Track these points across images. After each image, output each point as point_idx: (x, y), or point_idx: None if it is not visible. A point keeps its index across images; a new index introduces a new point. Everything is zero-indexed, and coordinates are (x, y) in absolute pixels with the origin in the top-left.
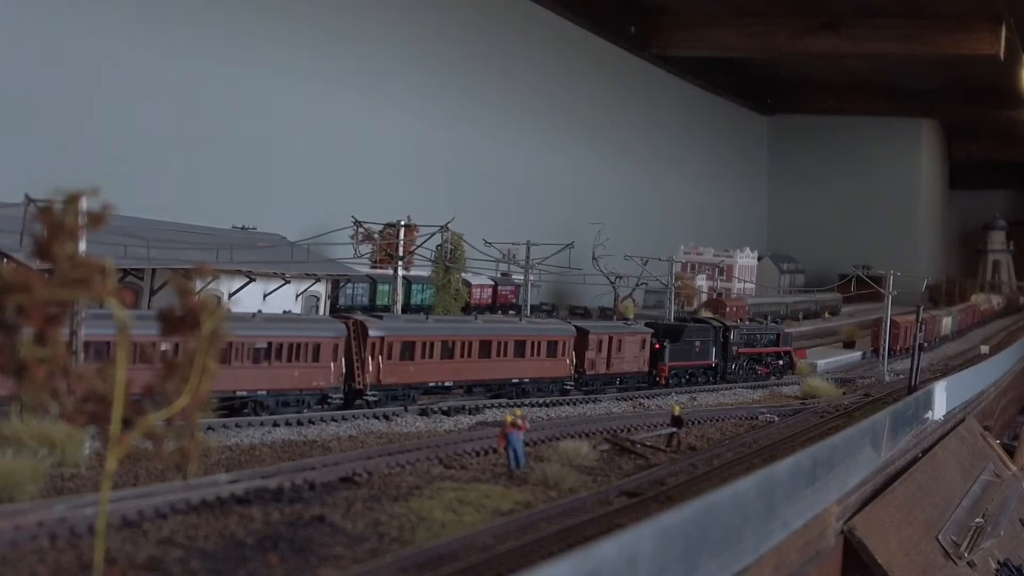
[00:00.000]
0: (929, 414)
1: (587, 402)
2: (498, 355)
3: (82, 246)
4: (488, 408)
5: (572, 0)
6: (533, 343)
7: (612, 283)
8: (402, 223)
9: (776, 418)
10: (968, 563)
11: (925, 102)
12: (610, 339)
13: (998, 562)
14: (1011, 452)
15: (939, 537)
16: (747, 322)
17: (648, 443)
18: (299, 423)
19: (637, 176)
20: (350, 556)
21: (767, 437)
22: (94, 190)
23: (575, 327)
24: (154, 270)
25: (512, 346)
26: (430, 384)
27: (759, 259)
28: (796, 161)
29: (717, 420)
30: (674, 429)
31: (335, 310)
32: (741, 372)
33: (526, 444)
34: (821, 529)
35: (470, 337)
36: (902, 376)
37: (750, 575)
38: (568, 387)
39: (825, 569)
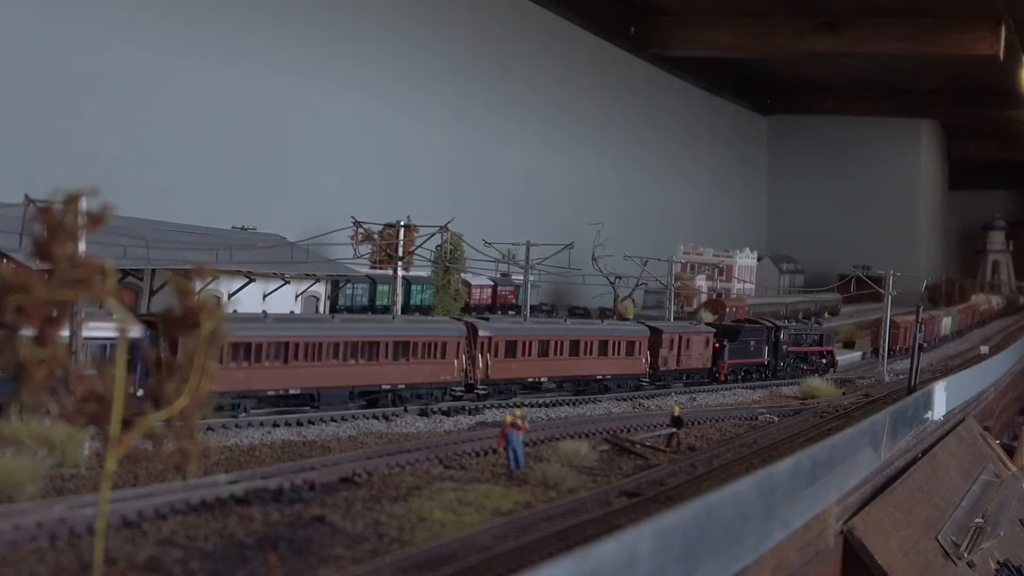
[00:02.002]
0: (929, 414)
1: (587, 402)
2: (585, 354)
3: (82, 246)
4: (488, 408)
5: (572, 0)
6: (614, 342)
7: (612, 283)
8: (402, 223)
9: (776, 418)
10: (968, 563)
11: (925, 102)
12: (680, 338)
13: (998, 562)
14: (1011, 452)
15: (939, 537)
16: (794, 323)
17: (648, 443)
18: (299, 423)
19: (637, 176)
20: (350, 556)
21: (767, 437)
22: (94, 190)
23: (649, 327)
24: (154, 270)
25: (596, 345)
26: (528, 379)
27: (759, 259)
28: (796, 161)
29: (717, 420)
30: (674, 429)
31: (335, 310)
32: (789, 369)
33: (526, 444)
34: (821, 529)
35: (562, 337)
36: (902, 376)
37: (750, 575)
38: (643, 382)
39: (825, 569)
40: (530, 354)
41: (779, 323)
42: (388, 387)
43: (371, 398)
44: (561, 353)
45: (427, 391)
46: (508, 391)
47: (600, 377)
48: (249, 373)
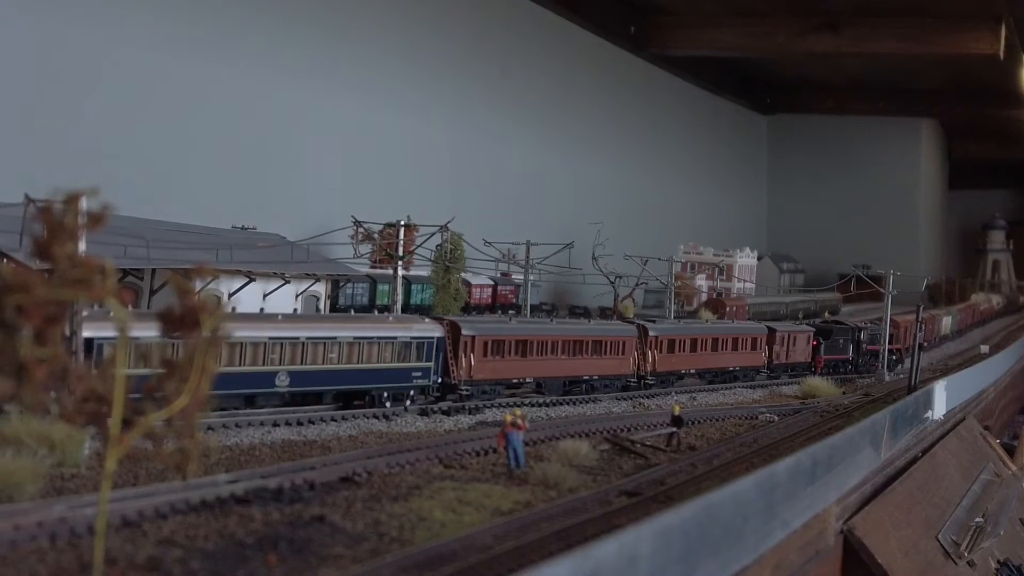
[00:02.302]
0: (929, 414)
1: (587, 402)
2: (722, 349)
3: (82, 246)
4: (488, 408)
5: (572, 0)
6: (742, 339)
7: (612, 283)
8: (402, 223)
9: (776, 418)
10: (968, 563)
11: (925, 102)
12: (789, 336)
13: (998, 562)
14: (1011, 452)
15: (939, 537)
16: (868, 324)
17: (648, 443)
18: (299, 423)
19: (637, 176)
20: (350, 556)
21: (767, 437)
22: (94, 190)
23: (767, 327)
24: (154, 270)
25: (730, 342)
26: (682, 371)
27: (759, 259)
28: (796, 161)
29: (717, 420)
30: (674, 429)
31: (335, 310)
32: (865, 365)
33: (526, 444)
34: (821, 529)
35: (706, 335)
36: (902, 376)
37: (750, 575)
38: (763, 372)
39: (825, 569)
40: (684, 350)
41: (860, 325)
42: (587, 377)
43: (570, 387)
44: (705, 349)
45: (610, 381)
46: (667, 381)
47: (732, 369)
48: (502, 364)
